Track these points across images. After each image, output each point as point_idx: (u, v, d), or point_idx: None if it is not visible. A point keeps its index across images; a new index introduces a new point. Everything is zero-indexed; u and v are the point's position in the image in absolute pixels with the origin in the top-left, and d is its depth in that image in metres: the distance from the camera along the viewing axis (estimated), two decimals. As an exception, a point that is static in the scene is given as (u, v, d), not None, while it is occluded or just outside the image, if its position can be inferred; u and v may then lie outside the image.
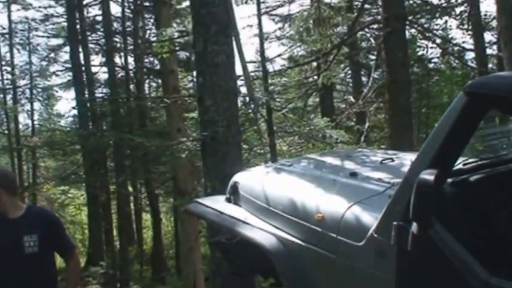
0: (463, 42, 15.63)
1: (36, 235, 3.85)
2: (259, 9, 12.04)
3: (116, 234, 18.39)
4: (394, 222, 2.67)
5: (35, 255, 3.84)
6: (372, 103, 13.04)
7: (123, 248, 17.47)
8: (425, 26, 15.47)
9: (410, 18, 12.37)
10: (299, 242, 3.38)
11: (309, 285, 3.35)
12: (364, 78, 18.98)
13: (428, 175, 2.42)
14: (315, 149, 10.14)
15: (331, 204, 3.29)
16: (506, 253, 2.76)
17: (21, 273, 3.81)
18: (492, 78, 2.85)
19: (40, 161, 22.51)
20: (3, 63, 21.11)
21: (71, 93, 22.23)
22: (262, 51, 11.86)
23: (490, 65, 15.05)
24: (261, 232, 3.62)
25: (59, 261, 4.24)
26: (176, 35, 12.06)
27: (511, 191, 3.04)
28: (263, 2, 15.68)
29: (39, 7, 20.64)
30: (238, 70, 7.29)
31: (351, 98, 18.51)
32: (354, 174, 3.59)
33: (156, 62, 18.44)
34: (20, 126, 22.07)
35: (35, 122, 23.77)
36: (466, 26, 14.67)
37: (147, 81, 21.04)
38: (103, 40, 19.52)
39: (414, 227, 2.51)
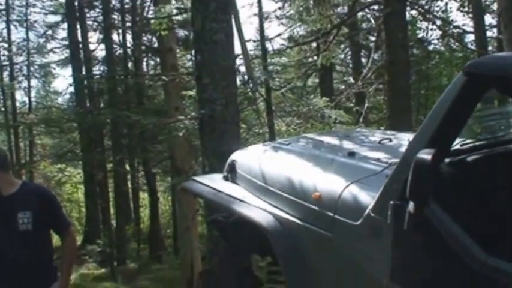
0: (463, 24, 15.60)
1: (30, 212, 3.82)
2: (259, -13, 11.96)
3: (112, 213, 18.44)
4: (391, 202, 2.67)
5: (29, 233, 3.82)
6: (371, 84, 13.00)
7: (119, 227, 17.53)
8: (426, 7, 15.36)
9: (410, -1, 12.30)
10: (296, 220, 3.38)
11: (306, 264, 3.36)
12: (363, 60, 18.92)
13: (426, 154, 2.42)
14: (313, 129, 10.13)
15: (328, 183, 3.29)
16: (503, 234, 2.77)
17: (16, 250, 3.80)
18: (491, 59, 2.84)
19: (37, 139, 22.47)
20: (0, 39, 20.97)
21: (68, 71, 22.16)
22: (261, 30, 11.81)
23: (489, 48, 15.01)
24: (258, 211, 3.62)
25: (56, 239, 4.24)
26: (175, 12, 11.95)
27: (508, 172, 3.04)
28: (263, -19, 15.54)
29: (37, -17, 20.48)
30: (237, 49, 7.26)
31: (351, 79, 18.46)
32: (351, 154, 3.58)
33: (154, 39, 18.33)
34: (17, 103, 21.97)
35: (32, 99, 23.67)
36: (466, 9, 14.60)
37: (145, 59, 20.93)
38: (101, 17, 19.39)
39: (411, 206, 2.51)
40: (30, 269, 3.87)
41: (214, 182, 4.34)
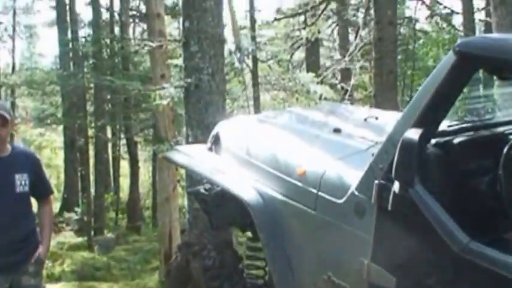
0: (452, 6, 15.61)
1: (27, 174, 3.85)
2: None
3: (92, 180, 18.21)
4: (376, 181, 2.65)
5: (25, 195, 3.87)
6: (358, 61, 12.94)
7: (98, 195, 17.31)
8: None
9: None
10: (279, 195, 3.35)
11: (286, 240, 3.34)
12: (351, 37, 18.80)
13: (413, 134, 2.40)
14: (299, 104, 10.06)
15: (313, 159, 3.25)
16: (486, 218, 2.76)
17: (12, 212, 3.80)
18: (482, 39, 2.82)
19: (19, 101, 22.14)
20: (-15, -3, 20.52)
21: (54, 32, 21.81)
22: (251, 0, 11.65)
23: (477, 31, 15.02)
24: (241, 184, 3.58)
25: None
26: (164, -24, 11.72)
27: (493, 155, 3.02)
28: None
29: None
30: (226, 18, 7.15)
31: (337, 55, 18.38)
32: (337, 130, 3.55)
33: (142, 5, 18.01)
34: (1, 64, 21.59)
35: (16, 61, 23.24)
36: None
37: (132, 25, 20.60)
38: (88, -20, 18.99)
39: (396, 186, 2.49)
40: (23, 232, 3.89)
41: (198, 152, 4.29)
